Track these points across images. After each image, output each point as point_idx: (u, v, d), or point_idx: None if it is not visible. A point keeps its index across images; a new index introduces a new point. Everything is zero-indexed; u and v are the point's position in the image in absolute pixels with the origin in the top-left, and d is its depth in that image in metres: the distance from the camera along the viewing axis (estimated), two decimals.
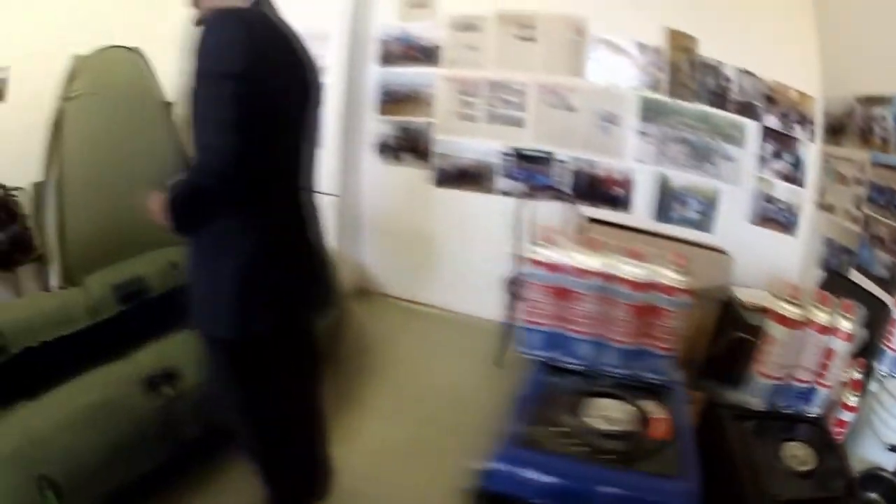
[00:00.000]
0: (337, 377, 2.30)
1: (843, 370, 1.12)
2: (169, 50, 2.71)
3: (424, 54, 2.96)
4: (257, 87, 1.10)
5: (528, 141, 2.88)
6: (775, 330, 1.08)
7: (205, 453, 1.85)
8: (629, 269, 1.01)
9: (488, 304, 2.86)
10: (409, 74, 3.00)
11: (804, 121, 2.41)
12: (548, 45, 2.75)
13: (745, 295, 1.96)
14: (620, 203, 2.81)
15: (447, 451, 2.04)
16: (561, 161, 2.86)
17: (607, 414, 0.91)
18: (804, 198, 2.45)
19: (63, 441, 1.46)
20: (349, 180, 3.08)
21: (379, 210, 3.21)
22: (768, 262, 2.44)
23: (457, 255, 3.16)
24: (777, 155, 2.48)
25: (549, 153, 2.87)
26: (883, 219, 1.80)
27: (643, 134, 2.67)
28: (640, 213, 2.77)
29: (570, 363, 1.05)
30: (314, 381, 1.51)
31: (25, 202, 2.58)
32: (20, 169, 2.48)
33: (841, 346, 1.10)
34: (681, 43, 2.55)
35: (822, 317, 1.09)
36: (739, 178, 2.57)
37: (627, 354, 1.05)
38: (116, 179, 2.39)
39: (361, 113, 3.07)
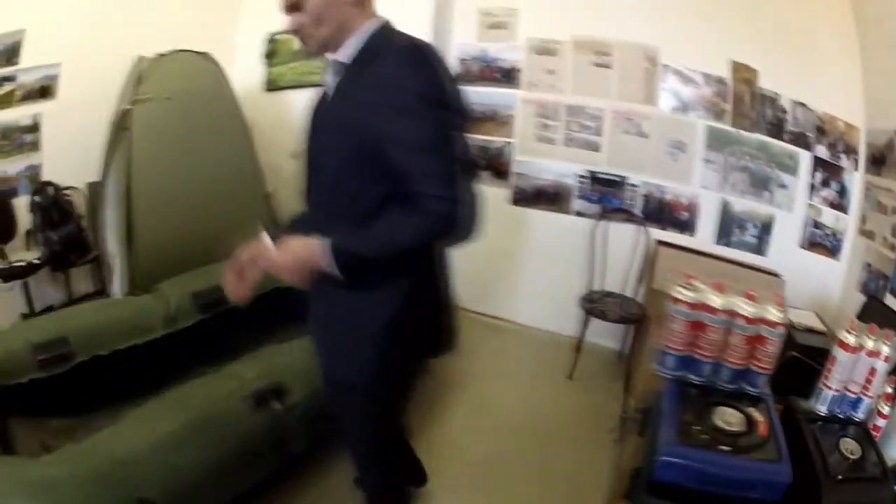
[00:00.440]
0: (423, 391, 2.33)
1: (881, 385, 1.32)
2: (232, 55, 2.80)
3: (503, 75, 3.02)
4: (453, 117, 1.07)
5: (604, 165, 2.98)
6: (838, 353, 1.30)
7: (307, 463, 1.81)
8: (746, 307, 1.27)
9: (562, 320, 3.04)
10: (488, 94, 3.04)
11: (849, 151, 2.48)
12: (622, 73, 2.83)
13: (794, 316, 1.96)
14: (686, 227, 2.91)
15: (529, 458, 2.18)
16: (633, 185, 2.96)
17: (726, 418, 1.22)
18: (848, 224, 2.51)
19: (161, 460, 1.36)
20: None
21: None
22: (814, 285, 2.50)
23: (532, 271, 3.22)
24: (825, 183, 2.57)
25: (622, 177, 2.97)
26: None
27: (708, 161, 2.79)
28: (703, 236, 2.86)
29: (695, 380, 1.33)
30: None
31: (79, 202, 2.46)
32: (72, 168, 2.40)
33: (881, 366, 1.31)
34: (743, 75, 2.66)
35: (870, 343, 1.30)
36: (792, 205, 2.67)
37: (737, 373, 1.31)
38: (190, 186, 2.31)
39: None
